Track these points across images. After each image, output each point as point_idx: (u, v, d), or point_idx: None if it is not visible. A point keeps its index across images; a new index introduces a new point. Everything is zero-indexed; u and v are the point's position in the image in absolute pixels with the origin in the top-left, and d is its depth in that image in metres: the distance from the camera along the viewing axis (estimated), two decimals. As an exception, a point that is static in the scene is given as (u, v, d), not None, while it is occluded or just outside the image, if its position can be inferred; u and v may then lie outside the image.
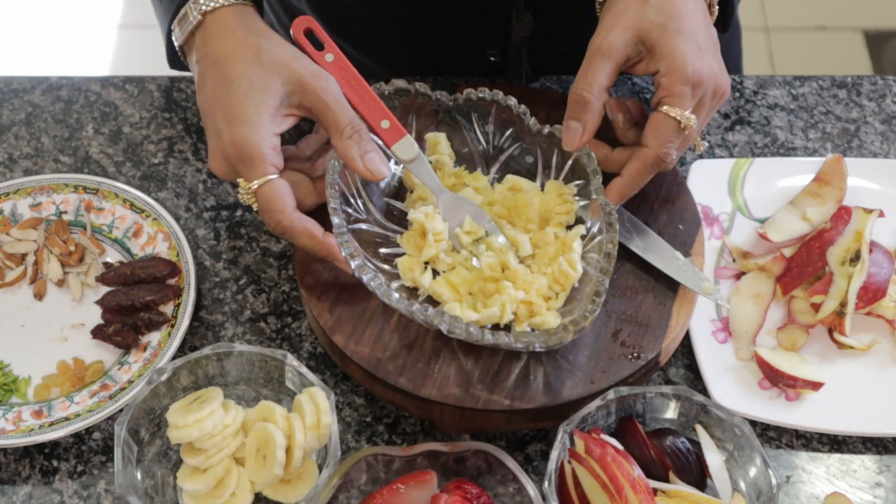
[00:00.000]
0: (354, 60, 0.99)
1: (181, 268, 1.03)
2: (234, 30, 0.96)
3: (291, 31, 0.99)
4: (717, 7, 1.01)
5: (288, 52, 0.96)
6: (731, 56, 1.34)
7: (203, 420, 0.88)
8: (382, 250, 0.99)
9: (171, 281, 1.03)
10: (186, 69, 1.03)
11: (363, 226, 0.99)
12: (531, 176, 1.03)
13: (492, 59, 1.18)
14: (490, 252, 0.98)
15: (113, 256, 1.07)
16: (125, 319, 1.00)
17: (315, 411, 0.89)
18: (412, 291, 0.97)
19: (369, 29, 1.21)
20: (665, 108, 0.94)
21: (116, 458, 0.87)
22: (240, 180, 0.94)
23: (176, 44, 1.00)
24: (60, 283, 1.06)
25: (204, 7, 0.97)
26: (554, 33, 0.94)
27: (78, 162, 1.15)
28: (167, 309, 1.02)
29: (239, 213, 1.11)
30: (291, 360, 0.92)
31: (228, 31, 0.96)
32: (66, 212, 1.09)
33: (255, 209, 0.95)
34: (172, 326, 1.00)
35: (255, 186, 0.93)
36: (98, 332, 1.01)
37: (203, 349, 0.92)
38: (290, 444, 0.88)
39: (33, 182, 1.10)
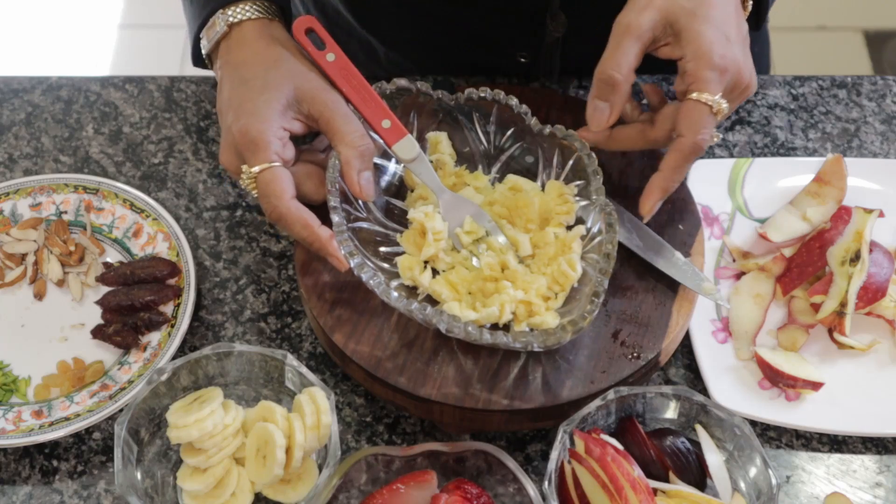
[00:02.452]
0: (384, 56, 1.00)
1: (181, 268, 1.03)
2: (256, 40, 0.99)
3: (293, 32, 1.00)
4: (750, 2, 1.00)
5: (304, 65, 0.99)
6: (761, 67, 1.33)
7: (203, 420, 0.88)
8: (382, 249, 0.99)
9: (171, 281, 1.03)
10: (209, 68, 1.05)
11: (363, 224, 0.99)
12: (532, 176, 1.03)
13: (522, 60, 1.18)
14: (490, 252, 0.98)
15: (113, 256, 1.07)
16: (125, 319, 1.00)
17: (315, 411, 0.89)
18: (411, 290, 0.97)
19: (400, 26, 1.21)
20: (695, 94, 0.93)
21: (116, 458, 0.87)
22: (243, 166, 0.95)
23: (203, 52, 1.03)
24: (60, 283, 1.06)
25: (231, 19, 1.00)
26: (586, 33, 0.94)
27: (78, 162, 1.15)
28: (167, 309, 1.02)
29: (239, 213, 1.11)
30: (291, 360, 0.92)
31: (251, 41, 0.99)
32: (66, 212, 1.09)
33: (254, 195, 0.95)
34: (172, 326, 1.00)
35: (257, 171, 0.94)
36: (98, 332, 1.01)
37: (203, 349, 0.92)
38: (290, 444, 0.88)
39: (33, 182, 1.10)
